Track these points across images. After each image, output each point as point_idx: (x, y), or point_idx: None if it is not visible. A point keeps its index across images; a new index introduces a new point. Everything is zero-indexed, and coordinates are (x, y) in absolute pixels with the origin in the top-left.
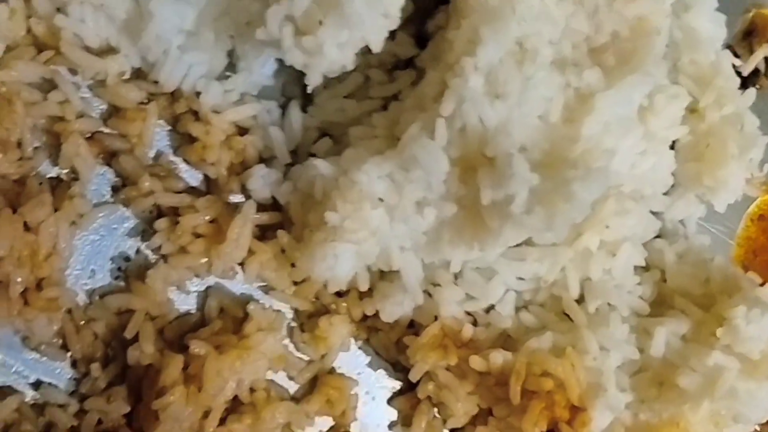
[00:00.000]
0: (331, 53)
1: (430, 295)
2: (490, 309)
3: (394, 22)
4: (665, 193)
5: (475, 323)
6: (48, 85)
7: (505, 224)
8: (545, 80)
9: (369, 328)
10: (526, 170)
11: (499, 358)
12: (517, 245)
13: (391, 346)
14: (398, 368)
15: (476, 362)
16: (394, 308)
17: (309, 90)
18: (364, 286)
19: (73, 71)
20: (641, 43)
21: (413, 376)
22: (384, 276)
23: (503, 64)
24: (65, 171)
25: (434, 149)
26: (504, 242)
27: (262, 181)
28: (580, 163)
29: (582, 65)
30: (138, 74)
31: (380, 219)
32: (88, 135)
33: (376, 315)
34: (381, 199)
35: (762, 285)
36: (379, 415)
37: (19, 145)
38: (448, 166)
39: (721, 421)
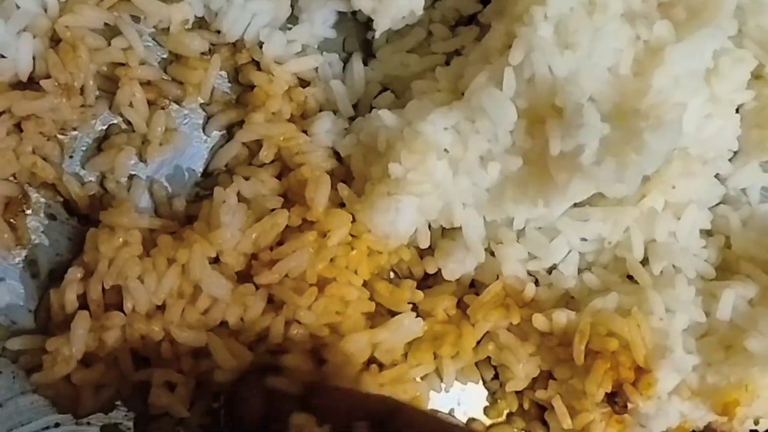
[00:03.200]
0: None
1: (492, 254)
2: (552, 269)
3: None
4: (729, 160)
5: (537, 284)
6: (111, 32)
7: (574, 177)
8: (615, 32)
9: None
10: (597, 120)
11: (562, 317)
12: (581, 205)
13: None
14: None
15: (539, 321)
16: (456, 266)
17: (376, 36)
18: (424, 243)
19: (137, 18)
20: None
21: (474, 337)
22: (445, 234)
23: (573, 14)
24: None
25: (502, 98)
26: (571, 196)
27: (327, 127)
28: (651, 115)
29: (652, 18)
30: (201, 23)
31: (444, 172)
32: (146, 82)
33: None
34: (446, 150)
35: None
36: None
37: (82, 91)
38: (516, 116)
39: None
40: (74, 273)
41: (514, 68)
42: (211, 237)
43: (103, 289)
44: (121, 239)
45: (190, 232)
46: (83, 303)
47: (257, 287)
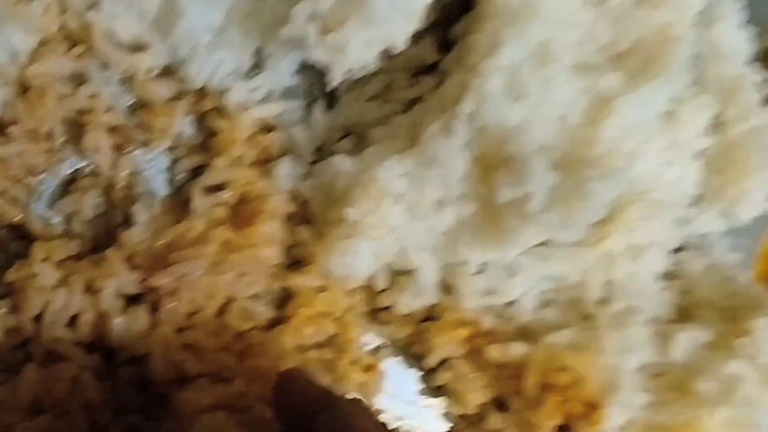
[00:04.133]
0: (355, 51)
1: (449, 291)
2: (511, 304)
3: (418, 22)
4: (691, 206)
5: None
6: (79, 79)
7: (523, 224)
8: (566, 83)
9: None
10: (544, 169)
11: (517, 349)
12: (542, 245)
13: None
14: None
15: (494, 352)
16: (410, 299)
17: (331, 87)
18: (381, 285)
19: (105, 66)
20: (664, 49)
21: (430, 362)
22: (401, 273)
23: (524, 65)
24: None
25: (453, 147)
26: (522, 243)
27: (288, 171)
28: (598, 164)
29: (603, 69)
30: (167, 70)
31: (400, 217)
32: (112, 127)
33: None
34: (401, 196)
35: None
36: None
37: (49, 136)
38: (466, 165)
39: (737, 429)
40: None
41: (465, 118)
42: (122, 236)
43: None
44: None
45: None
46: None
47: None
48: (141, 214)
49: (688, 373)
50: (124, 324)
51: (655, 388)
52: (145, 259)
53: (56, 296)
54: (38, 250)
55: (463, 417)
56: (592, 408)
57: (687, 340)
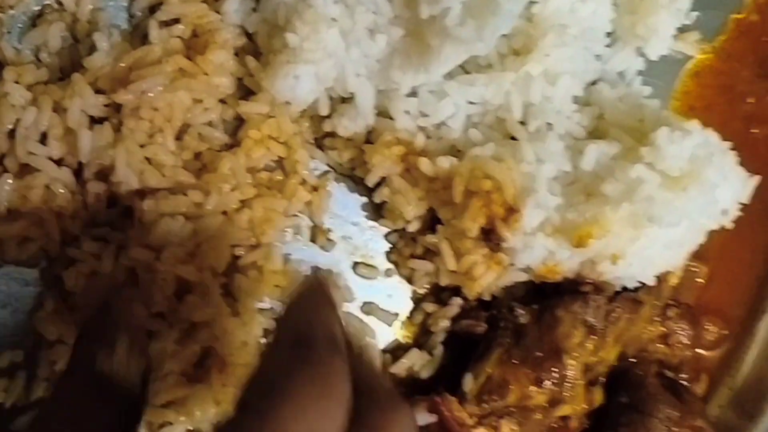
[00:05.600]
0: None
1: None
2: (441, 126)
3: None
4: (607, 46)
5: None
6: None
7: (444, 41)
8: None
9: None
10: None
11: (445, 162)
12: (467, 73)
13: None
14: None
15: (425, 165)
16: (349, 123)
17: None
18: (324, 110)
19: None
20: None
21: (370, 180)
22: (344, 101)
23: None
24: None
25: None
26: (445, 60)
27: (235, 6)
28: None
29: None
30: None
31: (336, 42)
32: None
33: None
34: (335, 20)
35: None
36: None
37: None
38: None
39: (638, 222)
40: None
41: None
42: (86, 60)
43: None
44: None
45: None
46: None
47: None
48: (102, 40)
49: (596, 179)
50: (90, 138)
51: (567, 193)
52: (107, 82)
53: (27, 114)
54: (9, 72)
55: (401, 236)
56: (511, 211)
57: (597, 151)
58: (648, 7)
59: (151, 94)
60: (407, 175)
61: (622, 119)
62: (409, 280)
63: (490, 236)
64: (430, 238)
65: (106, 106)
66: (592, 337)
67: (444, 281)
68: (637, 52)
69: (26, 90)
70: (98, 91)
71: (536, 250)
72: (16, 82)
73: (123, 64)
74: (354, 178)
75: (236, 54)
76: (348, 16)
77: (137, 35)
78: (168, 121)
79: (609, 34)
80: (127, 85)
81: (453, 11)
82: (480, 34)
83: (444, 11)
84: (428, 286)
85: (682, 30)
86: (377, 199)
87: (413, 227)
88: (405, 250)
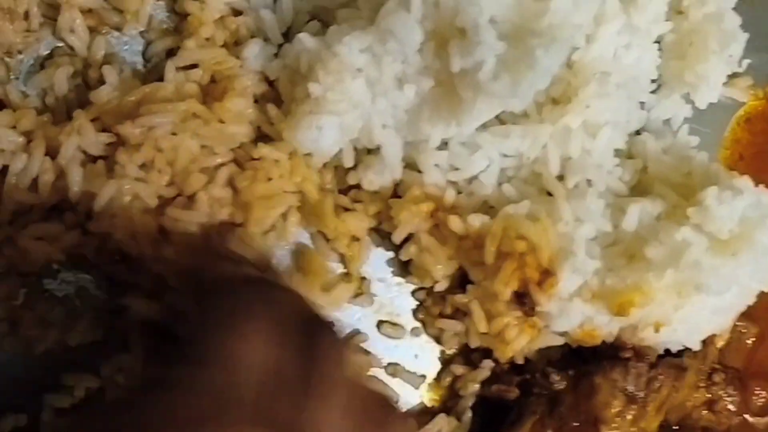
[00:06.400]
0: None
1: (414, 169)
2: (472, 180)
3: None
4: (652, 92)
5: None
6: None
7: (477, 95)
8: None
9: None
10: (493, 38)
11: (477, 220)
12: (501, 123)
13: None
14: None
15: (455, 223)
16: (375, 177)
17: None
18: (348, 162)
19: None
20: None
21: (397, 237)
22: (369, 152)
23: None
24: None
25: (409, 21)
26: (477, 114)
27: (256, 52)
28: (545, 34)
29: None
30: None
31: (362, 92)
32: (87, 9)
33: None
34: (360, 70)
35: None
36: None
37: (26, 16)
38: (422, 37)
39: (683, 290)
40: None
41: None
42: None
43: None
44: None
45: None
46: None
47: None
48: (112, 75)
49: (639, 241)
50: (81, 175)
51: (607, 255)
52: (112, 117)
53: (16, 159)
54: (3, 116)
55: (429, 294)
56: (546, 274)
57: (639, 210)
58: (698, 53)
59: (158, 132)
60: (436, 232)
61: (668, 173)
62: (438, 340)
63: (523, 300)
64: (460, 298)
65: (107, 145)
66: (632, 406)
67: (474, 343)
68: (685, 98)
69: (19, 135)
70: (103, 130)
71: (573, 315)
72: (13, 127)
73: (132, 98)
74: (380, 231)
75: (256, 101)
76: (374, 65)
77: (151, 78)
78: (169, 164)
79: (654, 80)
80: (135, 119)
81: (486, 65)
82: (515, 90)
83: (477, 65)
84: (457, 347)
85: (733, 75)
86: (404, 257)
87: (442, 286)
88: (433, 308)
